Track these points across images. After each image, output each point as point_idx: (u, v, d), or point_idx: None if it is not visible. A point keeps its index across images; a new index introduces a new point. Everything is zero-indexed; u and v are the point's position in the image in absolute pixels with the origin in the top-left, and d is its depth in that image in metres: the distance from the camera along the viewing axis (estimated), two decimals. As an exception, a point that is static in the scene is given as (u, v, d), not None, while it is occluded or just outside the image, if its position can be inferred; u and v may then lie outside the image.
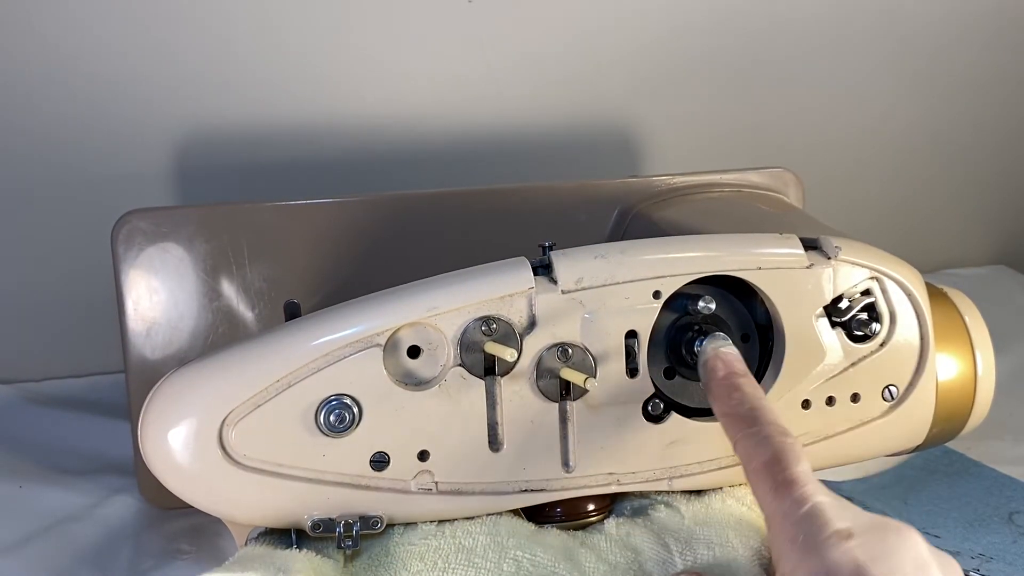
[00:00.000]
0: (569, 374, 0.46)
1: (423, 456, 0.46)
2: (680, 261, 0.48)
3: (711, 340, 0.47)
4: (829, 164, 0.97)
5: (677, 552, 0.47)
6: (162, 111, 0.78)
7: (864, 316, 0.50)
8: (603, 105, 0.90)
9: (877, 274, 0.51)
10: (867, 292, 0.51)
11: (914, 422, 0.53)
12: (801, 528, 0.38)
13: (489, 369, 0.46)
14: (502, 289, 0.46)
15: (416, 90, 0.84)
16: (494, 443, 0.47)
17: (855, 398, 0.51)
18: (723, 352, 0.46)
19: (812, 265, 0.49)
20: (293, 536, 0.46)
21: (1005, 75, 1.01)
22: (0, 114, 0.75)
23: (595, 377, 0.46)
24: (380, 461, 0.45)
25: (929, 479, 0.65)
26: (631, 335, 0.47)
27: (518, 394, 0.46)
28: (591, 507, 0.50)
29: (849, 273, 0.50)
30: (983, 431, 0.60)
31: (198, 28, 0.77)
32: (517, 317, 0.46)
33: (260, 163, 0.81)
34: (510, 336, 0.46)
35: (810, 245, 0.50)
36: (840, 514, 0.39)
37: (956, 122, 1.01)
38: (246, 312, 0.62)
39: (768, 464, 0.41)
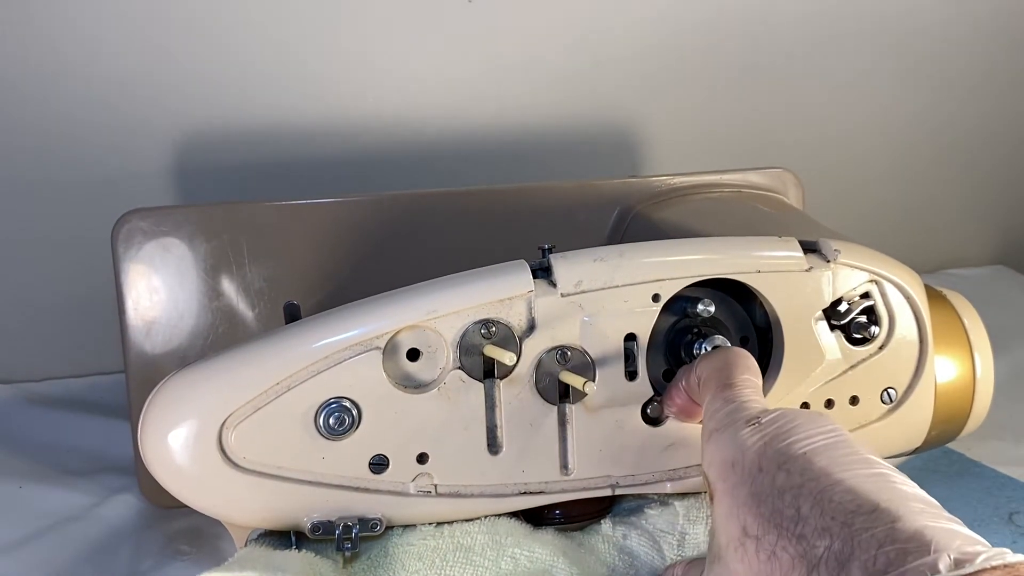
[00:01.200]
0: (568, 377, 0.46)
1: (422, 459, 0.46)
2: (679, 264, 0.48)
3: (710, 341, 0.48)
4: (829, 164, 0.97)
5: (671, 559, 0.47)
6: (162, 111, 0.78)
7: (863, 319, 0.50)
8: (603, 105, 0.89)
9: (876, 277, 0.51)
10: (866, 295, 0.51)
11: (913, 424, 0.53)
12: (721, 422, 0.40)
13: (488, 372, 0.46)
14: (501, 292, 0.46)
15: (416, 90, 0.84)
16: (493, 446, 0.47)
17: (854, 401, 0.51)
18: None
19: (811, 268, 0.49)
20: (292, 538, 0.46)
21: (1005, 76, 1.01)
22: (1, 114, 0.75)
23: (594, 380, 0.46)
24: (379, 464, 0.46)
25: (929, 479, 0.65)
26: (630, 338, 0.47)
27: (517, 397, 0.46)
28: (589, 509, 0.50)
29: (848, 276, 0.50)
30: (983, 431, 0.60)
31: (198, 29, 0.77)
32: (516, 320, 0.46)
33: (260, 163, 0.81)
34: (509, 339, 0.46)
35: (809, 248, 0.50)
36: (760, 407, 0.40)
37: (956, 123, 1.01)
38: (246, 311, 0.62)
39: (717, 370, 0.43)
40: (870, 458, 0.35)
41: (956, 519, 0.33)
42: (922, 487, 0.63)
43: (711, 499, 0.39)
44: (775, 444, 0.36)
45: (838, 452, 0.36)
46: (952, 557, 0.29)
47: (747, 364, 0.43)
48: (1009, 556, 0.29)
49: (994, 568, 0.28)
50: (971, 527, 0.57)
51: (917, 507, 0.32)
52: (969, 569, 0.28)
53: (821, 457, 0.35)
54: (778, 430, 0.37)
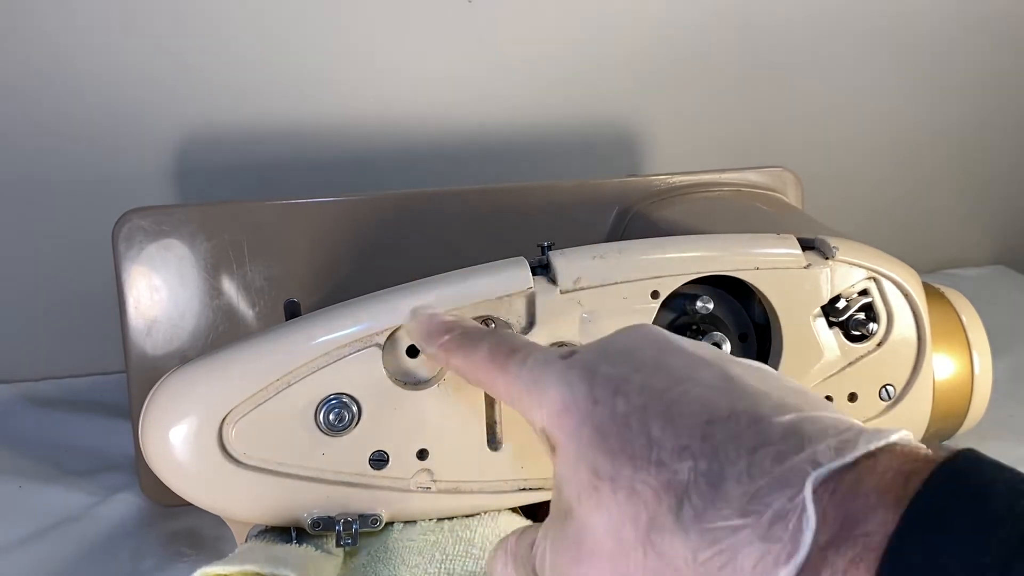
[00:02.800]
0: (567, 373, 0.46)
1: (422, 455, 0.46)
2: (678, 261, 0.48)
3: (709, 338, 0.48)
4: (829, 164, 0.97)
5: None
6: (162, 111, 0.78)
7: (861, 316, 0.50)
8: (603, 105, 0.90)
9: (874, 274, 0.51)
10: (864, 292, 0.51)
11: (911, 421, 0.53)
12: (533, 369, 0.35)
13: (487, 368, 0.46)
14: (501, 289, 0.46)
15: (416, 90, 0.84)
16: (493, 442, 0.47)
17: (852, 397, 0.51)
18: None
19: (810, 265, 0.49)
20: (293, 534, 0.46)
21: (1005, 75, 1.01)
22: (1, 114, 0.76)
23: (593, 377, 0.46)
24: (379, 460, 0.46)
25: (928, 479, 0.65)
26: (629, 335, 0.47)
27: (517, 393, 0.46)
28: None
29: (847, 273, 0.50)
30: (984, 431, 0.60)
31: (198, 28, 0.78)
32: (516, 317, 0.46)
33: (260, 163, 0.81)
34: (508, 336, 0.46)
35: (808, 245, 0.50)
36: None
37: (956, 122, 1.01)
38: (247, 310, 0.62)
39: (487, 357, 0.38)
40: (707, 360, 0.32)
41: (824, 403, 0.30)
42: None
43: (552, 453, 0.34)
44: (601, 370, 0.32)
45: (676, 362, 0.32)
46: (832, 446, 0.27)
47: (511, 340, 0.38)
48: (892, 435, 0.27)
49: (879, 450, 0.26)
50: (971, 526, 0.58)
51: (773, 402, 0.29)
52: (851, 456, 0.26)
53: (658, 374, 0.31)
54: (601, 353, 0.34)
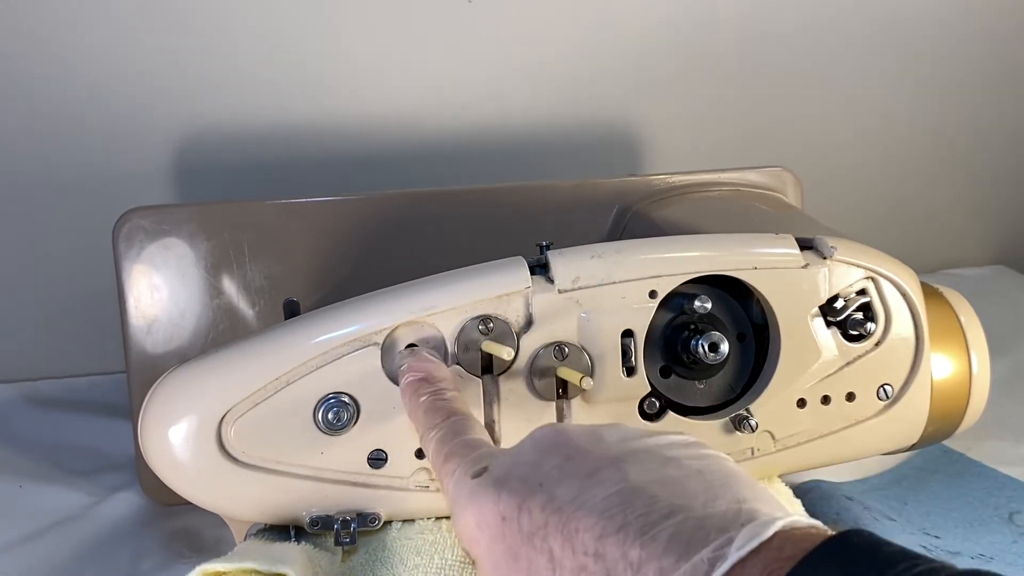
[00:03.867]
0: (566, 373, 0.46)
1: (420, 454, 0.46)
2: (676, 261, 0.48)
3: (707, 338, 0.48)
4: (829, 164, 0.97)
5: None
6: (163, 111, 0.79)
7: (859, 315, 0.50)
8: (602, 105, 0.90)
9: (872, 274, 0.51)
10: (862, 292, 0.51)
11: (909, 421, 0.53)
12: (452, 494, 0.37)
13: (486, 368, 0.46)
14: (499, 288, 0.46)
15: (416, 90, 0.84)
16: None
17: (850, 397, 0.51)
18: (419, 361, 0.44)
19: (808, 265, 0.49)
20: (291, 532, 0.47)
21: (1005, 75, 1.01)
22: (1, 114, 0.76)
23: (591, 376, 0.46)
24: (378, 459, 0.46)
25: (929, 479, 0.65)
26: (627, 334, 0.47)
27: (515, 393, 0.46)
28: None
29: (845, 273, 0.50)
30: (983, 431, 0.60)
31: (198, 28, 0.78)
32: (514, 316, 0.46)
33: (260, 162, 0.82)
34: (507, 335, 0.46)
35: (806, 245, 0.50)
36: (482, 449, 0.38)
37: (956, 122, 1.01)
38: (247, 310, 0.62)
39: (435, 450, 0.40)
40: (609, 458, 0.33)
41: (722, 477, 0.32)
42: (922, 487, 0.63)
43: (474, 565, 0.36)
44: (507, 486, 0.34)
45: (578, 470, 0.33)
46: (706, 559, 0.28)
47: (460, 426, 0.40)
48: (767, 532, 0.28)
49: (752, 552, 0.27)
50: (971, 527, 0.58)
51: (663, 504, 0.31)
52: (722, 570, 0.27)
53: (561, 486, 0.33)
54: (510, 468, 0.35)
